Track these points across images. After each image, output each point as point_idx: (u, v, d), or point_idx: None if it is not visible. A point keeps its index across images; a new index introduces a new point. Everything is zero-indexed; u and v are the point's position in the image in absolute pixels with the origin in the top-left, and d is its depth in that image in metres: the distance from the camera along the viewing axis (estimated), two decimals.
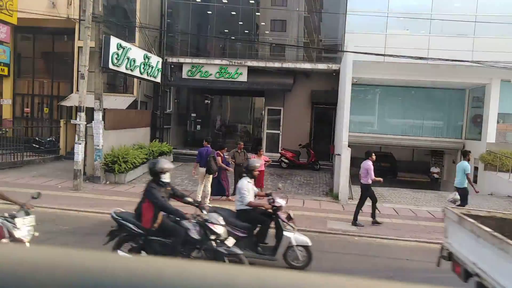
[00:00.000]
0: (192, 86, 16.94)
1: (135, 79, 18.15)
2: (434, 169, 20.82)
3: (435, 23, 15.96)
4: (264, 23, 16.73)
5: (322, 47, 15.89)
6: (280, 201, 6.26)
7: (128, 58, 12.65)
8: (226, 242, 5.22)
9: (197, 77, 16.73)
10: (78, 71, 18.32)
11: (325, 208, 10.59)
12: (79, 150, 11.00)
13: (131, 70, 13.06)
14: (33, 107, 20.48)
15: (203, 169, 10.03)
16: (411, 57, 11.98)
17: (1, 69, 14.07)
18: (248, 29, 16.29)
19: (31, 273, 0.55)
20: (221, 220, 5.23)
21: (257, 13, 17.83)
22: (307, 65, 16.10)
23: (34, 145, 17.43)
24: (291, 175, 14.84)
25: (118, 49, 12.02)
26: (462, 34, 15.88)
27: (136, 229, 5.21)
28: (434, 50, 15.70)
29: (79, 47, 18.29)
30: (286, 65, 16.10)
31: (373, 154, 8.80)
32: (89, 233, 7.64)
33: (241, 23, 16.54)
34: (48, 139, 18.01)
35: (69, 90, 19.91)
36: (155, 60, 14.91)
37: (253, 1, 17.66)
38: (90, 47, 17.29)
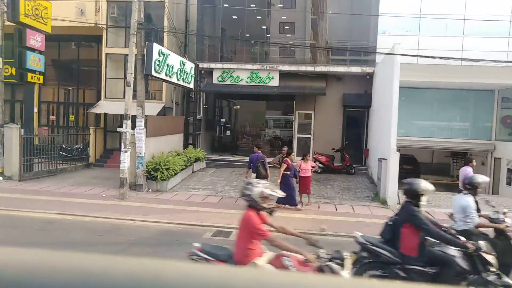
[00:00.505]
0: (223, 92, 16.83)
1: (163, 85, 18.10)
2: None
3: (468, 23, 15.82)
4: (293, 27, 16.61)
5: (353, 50, 15.74)
6: (509, 220, 5.60)
7: (167, 65, 12.56)
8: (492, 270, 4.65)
9: (228, 82, 16.63)
10: (105, 78, 18.35)
11: (377, 214, 10.39)
12: (125, 158, 10.87)
13: (170, 77, 12.97)
14: (58, 114, 20.43)
15: (253, 175, 9.93)
16: (455, 59, 11.82)
17: (37, 77, 13.96)
18: (278, 34, 16.17)
19: (31, 277, 0.56)
20: (489, 249, 4.66)
21: (282, 17, 17.76)
22: (340, 68, 15.96)
23: (61, 152, 17.33)
24: (328, 180, 14.66)
25: (159, 55, 11.92)
26: (496, 35, 15.75)
27: (391, 256, 4.67)
28: (468, 51, 15.59)
29: (107, 54, 18.28)
30: (318, 68, 15.97)
31: (474, 160, 8.55)
32: (160, 244, 7.49)
33: (270, 27, 16.43)
34: (76, 146, 17.92)
35: (94, 97, 19.86)
36: (189, 66, 14.82)
37: (281, 5, 17.58)
38: (122, 54, 17.26)
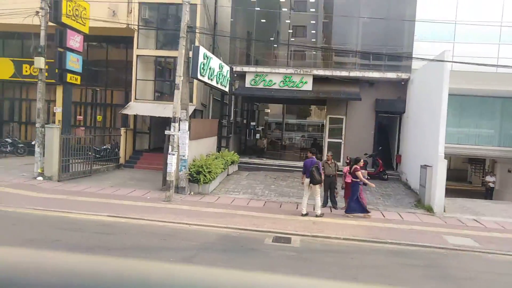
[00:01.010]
0: (255, 95, 16.78)
1: (195, 88, 18.08)
2: (490, 178, 20.41)
3: (505, 30, 15.75)
4: (328, 32, 16.57)
5: (392, 55, 15.68)
6: None
7: (210, 68, 12.54)
8: None
9: (261, 86, 16.60)
10: (136, 79, 18.35)
11: (427, 221, 10.31)
12: (173, 161, 10.83)
13: (211, 80, 12.95)
14: (85, 115, 20.45)
15: (307, 180, 9.89)
16: (507, 66, 11.74)
17: (75, 78, 13.94)
18: (314, 38, 16.13)
19: (22, 276, 0.56)
20: None
21: (312, 21, 17.72)
22: (375, 74, 15.91)
23: (89, 153, 17.32)
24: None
25: (204, 58, 11.90)
26: None
27: None
28: (504, 58, 15.52)
29: (138, 55, 18.29)
30: (353, 74, 15.92)
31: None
32: (228, 250, 7.42)
33: (305, 32, 16.38)
34: (103, 147, 17.89)
35: (122, 98, 19.89)
36: (226, 69, 14.80)
37: (313, 9, 17.55)
38: (153, 56, 17.26)
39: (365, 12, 16.06)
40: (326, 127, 17.40)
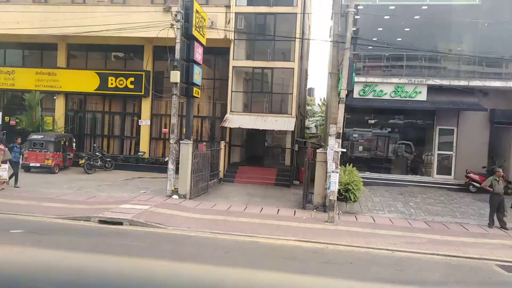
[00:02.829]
0: (364, 106, 16.16)
1: (293, 99, 17.55)
2: None
3: None
4: (445, 38, 15.93)
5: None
6: None
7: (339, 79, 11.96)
8: None
9: (370, 96, 16.00)
10: (231, 91, 17.87)
11: None
12: (336, 179, 10.20)
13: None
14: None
15: None
16: None
17: (196, 91, 13.46)
18: (429, 45, 15.50)
19: (27, 276, 0.58)
20: None
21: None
22: (496, 83, 15.21)
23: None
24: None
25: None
26: None
27: None
28: None
29: (233, 66, 17.84)
30: (473, 83, 15.23)
31: None
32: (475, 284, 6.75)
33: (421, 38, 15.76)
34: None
35: (211, 110, 19.40)
36: None
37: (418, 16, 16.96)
38: (250, 67, 16.77)
39: (484, 16, 15.41)
40: (436, 138, 16.70)
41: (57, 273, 0.68)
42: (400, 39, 15.74)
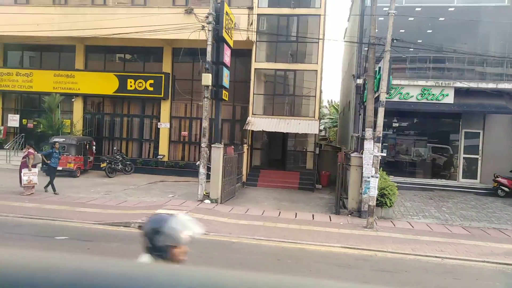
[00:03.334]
0: (389, 109, 15.94)
1: (316, 102, 17.40)
2: None
3: None
4: (473, 40, 15.76)
5: None
6: None
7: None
8: None
9: (396, 99, 15.82)
10: (253, 94, 17.72)
11: None
12: (376, 184, 10.03)
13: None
14: (190, 130, 19.82)
15: None
16: None
17: (225, 94, 13.32)
18: (456, 47, 15.33)
19: (29, 278, 0.57)
20: None
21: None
22: None
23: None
24: None
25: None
26: None
27: None
28: None
29: (255, 69, 17.69)
30: (501, 85, 15.06)
31: None
32: None
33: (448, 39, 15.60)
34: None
35: (229, 112, 19.22)
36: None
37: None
38: (272, 69, 16.63)
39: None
40: (461, 142, 16.52)
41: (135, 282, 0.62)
42: (426, 41, 15.58)
